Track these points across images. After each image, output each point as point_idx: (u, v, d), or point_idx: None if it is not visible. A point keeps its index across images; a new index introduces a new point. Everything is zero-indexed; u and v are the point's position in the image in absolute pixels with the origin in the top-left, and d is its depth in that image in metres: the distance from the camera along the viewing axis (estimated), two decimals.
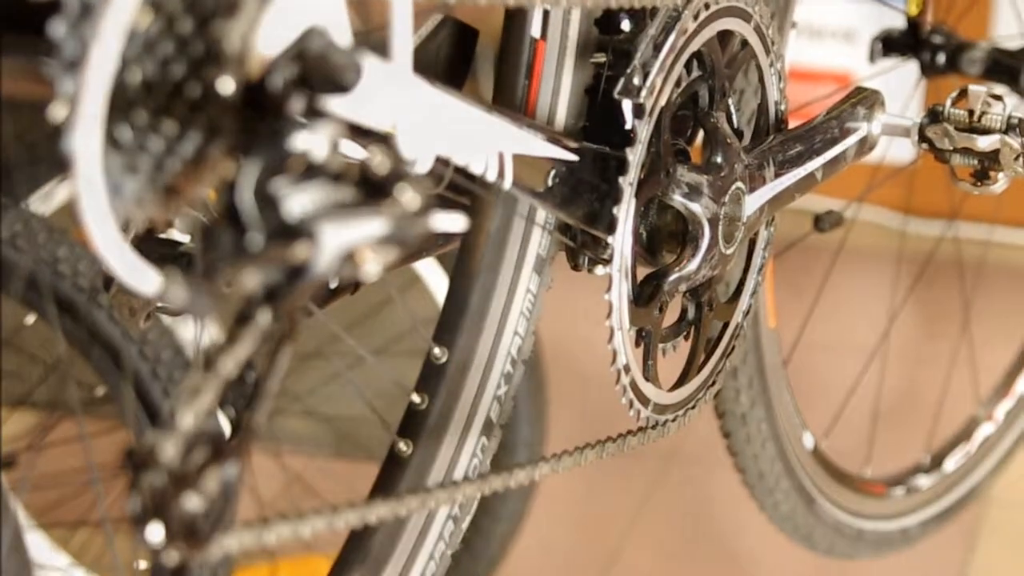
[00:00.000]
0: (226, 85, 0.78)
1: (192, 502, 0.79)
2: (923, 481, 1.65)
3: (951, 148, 1.27)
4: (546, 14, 1.08)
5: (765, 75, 1.18)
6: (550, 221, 1.12)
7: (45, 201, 1.43)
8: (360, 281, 1.05)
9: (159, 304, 1.02)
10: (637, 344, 1.10)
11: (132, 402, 1.24)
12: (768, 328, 1.41)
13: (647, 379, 1.10)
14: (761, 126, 1.20)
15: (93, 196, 0.76)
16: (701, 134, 1.13)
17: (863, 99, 1.26)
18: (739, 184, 1.12)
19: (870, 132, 1.25)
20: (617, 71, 1.06)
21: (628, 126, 1.05)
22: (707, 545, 1.88)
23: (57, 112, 0.74)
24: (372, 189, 0.79)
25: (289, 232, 0.77)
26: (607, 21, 1.09)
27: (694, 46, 1.08)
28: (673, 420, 1.15)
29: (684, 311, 1.16)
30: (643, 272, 1.10)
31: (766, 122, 1.20)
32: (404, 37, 0.86)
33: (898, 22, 1.52)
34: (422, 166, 0.89)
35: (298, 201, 0.77)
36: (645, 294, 1.09)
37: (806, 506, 1.50)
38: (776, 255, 1.28)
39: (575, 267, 1.12)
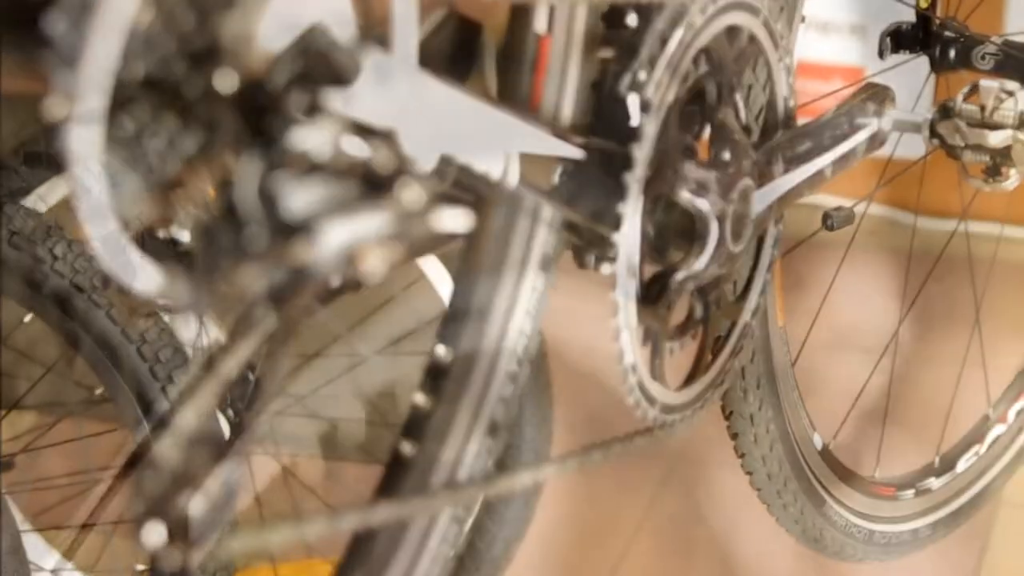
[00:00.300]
0: (227, 81, 0.77)
1: (192, 503, 0.78)
2: (934, 483, 1.64)
3: (962, 144, 1.26)
4: (552, 9, 1.07)
5: (774, 70, 1.17)
6: (556, 218, 1.11)
7: (44, 199, 1.42)
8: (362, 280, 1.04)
9: (159, 303, 1.01)
10: (644, 343, 1.09)
11: (131, 402, 1.23)
12: (777, 327, 1.39)
13: (654, 378, 1.09)
14: (769, 122, 1.19)
15: (92, 194, 0.75)
16: (708, 130, 1.12)
17: (873, 95, 1.25)
18: (747, 181, 1.11)
19: (880, 128, 1.24)
20: (623, 66, 1.05)
21: (635, 122, 1.03)
22: (714, 547, 1.87)
23: (56, 109, 0.73)
24: (375, 186, 0.78)
25: (290, 230, 0.76)
26: (613, 16, 1.08)
27: (701, 41, 1.07)
28: (681, 420, 1.14)
29: (691, 310, 1.15)
30: (650, 270, 1.09)
31: (775, 118, 1.19)
32: (408, 32, 0.85)
33: (908, 17, 1.51)
34: (426, 163, 0.88)
35: (299, 199, 0.76)
36: (652, 292, 1.08)
37: (815, 508, 1.49)
38: (785, 252, 1.27)
39: (581, 265, 1.11)
